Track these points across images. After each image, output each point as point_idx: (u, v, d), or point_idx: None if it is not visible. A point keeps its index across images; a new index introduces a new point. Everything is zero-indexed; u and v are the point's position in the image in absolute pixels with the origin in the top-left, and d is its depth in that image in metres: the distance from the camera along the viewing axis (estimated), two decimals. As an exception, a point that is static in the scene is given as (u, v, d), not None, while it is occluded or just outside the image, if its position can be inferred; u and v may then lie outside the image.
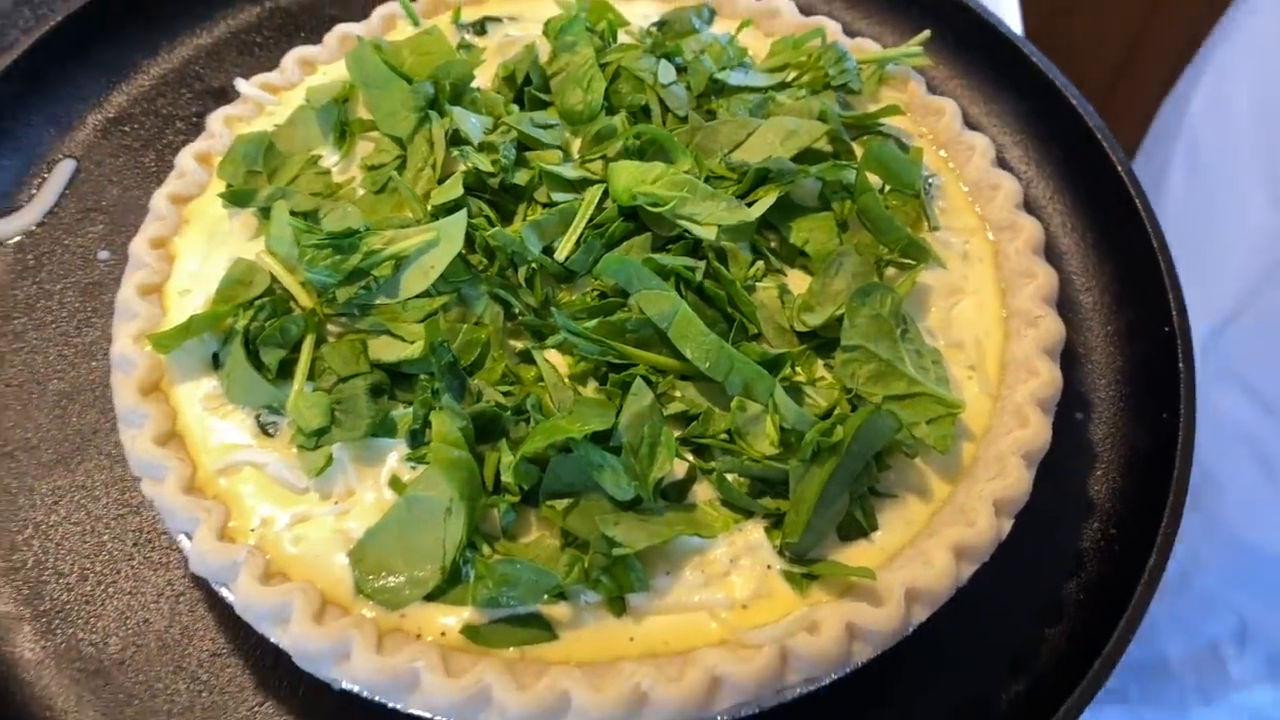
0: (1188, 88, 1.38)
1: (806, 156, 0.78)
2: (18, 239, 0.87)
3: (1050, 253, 0.82)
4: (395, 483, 0.67)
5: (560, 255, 0.72)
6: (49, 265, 0.86)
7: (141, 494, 0.76)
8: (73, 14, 0.95)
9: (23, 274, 0.86)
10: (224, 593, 0.65)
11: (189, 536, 0.66)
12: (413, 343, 0.68)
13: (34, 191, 0.90)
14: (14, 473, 0.77)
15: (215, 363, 0.71)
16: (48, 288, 0.85)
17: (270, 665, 0.70)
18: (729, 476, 0.66)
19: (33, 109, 0.93)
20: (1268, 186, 1.18)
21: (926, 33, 0.88)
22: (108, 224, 0.89)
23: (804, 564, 0.64)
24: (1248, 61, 1.28)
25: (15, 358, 0.82)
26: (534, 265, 0.71)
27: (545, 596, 0.63)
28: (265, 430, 0.69)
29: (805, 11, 0.92)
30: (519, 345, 0.71)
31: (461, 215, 0.71)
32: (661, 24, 0.88)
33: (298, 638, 0.61)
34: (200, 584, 0.73)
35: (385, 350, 0.68)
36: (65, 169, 0.92)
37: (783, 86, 0.84)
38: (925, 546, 0.66)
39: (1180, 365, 0.78)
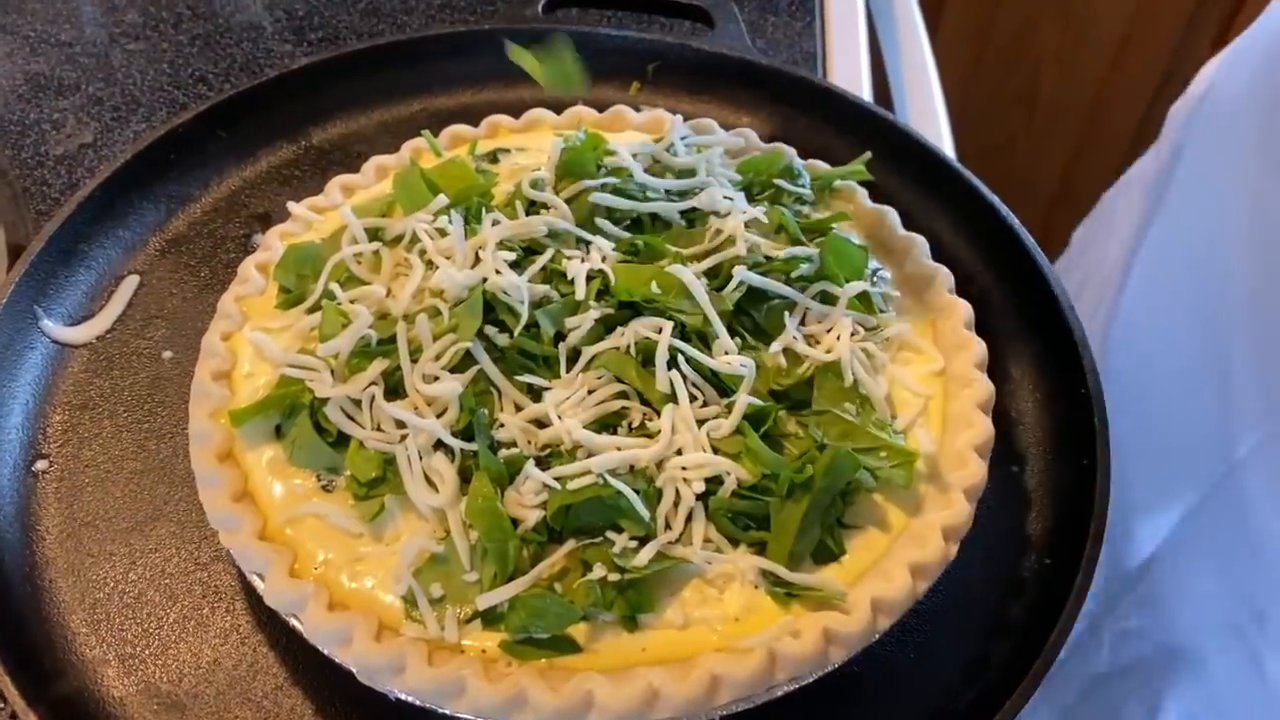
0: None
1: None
2: (92, 343, 1.00)
3: (982, 331, 0.96)
4: (437, 527, 0.79)
5: (572, 339, 0.85)
6: (120, 364, 0.99)
7: (208, 554, 0.88)
8: (137, 154, 1.10)
9: (98, 372, 0.99)
10: (294, 622, 0.76)
11: (261, 577, 0.77)
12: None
13: (104, 303, 1.04)
14: (95, 539, 0.88)
15: (277, 433, 0.84)
16: (120, 383, 0.98)
17: (327, 696, 0.80)
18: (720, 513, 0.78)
19: (103, 234, 1.07)
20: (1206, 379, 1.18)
21: (868, 154, 1.05)
22: (169, 329, 1.02)
23: (785, 584, 0.76)
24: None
25: (94, 442, 0.94)
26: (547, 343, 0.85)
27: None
28: (325, 488, 0.81)
29: (765, 140, 1.09)
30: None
31: (478, 304, 0.85)
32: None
33: (360, 655, 0.72)
34: (262, 628, 0.84)
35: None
36: (130, 283, 1.05)
37: (749, 199, 1.00)
38: (886, 566, 0.78)
39: (1095, 420, 0.92)
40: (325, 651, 0.74)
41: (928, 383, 0.90)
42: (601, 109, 1.13)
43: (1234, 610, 1.16)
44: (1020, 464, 0.96)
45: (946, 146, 1.41)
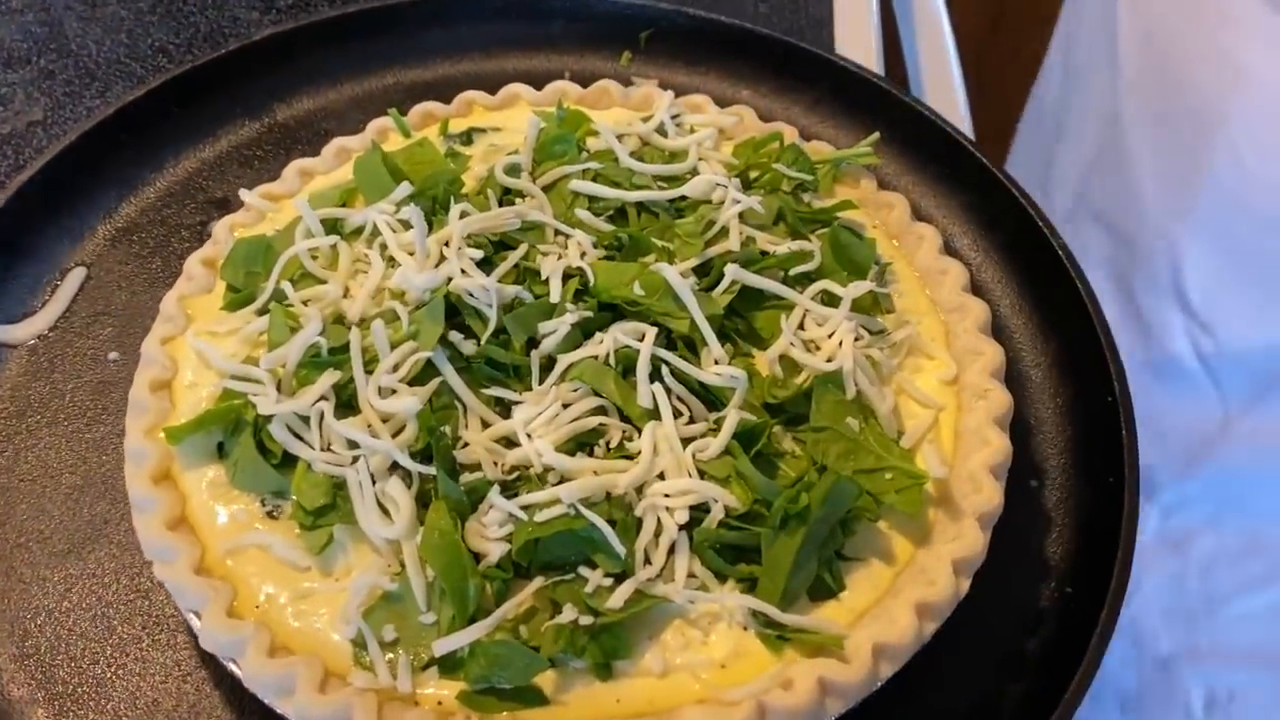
0: None
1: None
2: (32, 343, 0.93)
3: (999, 332, 0.88)
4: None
5: (546, 346, 0.77)
6: (62, 367, 0.92)
7: (150, 580, 0.80)
8: (85, 132, 1.02)
9: (37, 375, 0.91)
10: (232, 667, 0.69)
11: (198, 616, 0.70)
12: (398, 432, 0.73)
13: (47, 298, 0.96)
14: (28, 562, 0.81)
15: (220, 451, 0.76)
16: (60, 387, 0.90)
17: (273, 741, 0.74)
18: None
19: (48, 222, 0.99)
20: None
21: (876, 134, 0.96)
22: (116, 327, 0.95)
23: (777, 626, 0.69)
24: None
25: (30, 454, 0.86)
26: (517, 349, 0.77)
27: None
28: (270, 514, 0.74)
29: (764, 118, 1.00)
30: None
31: (440, 308, 0.77)
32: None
33: (302, 707, 0.65)
34: (206, 664, 0.76)
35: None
36: (77, 276, 0.97)
37: (745, 185, 0.91)
38: (890, 605, 0.70)
39: (1123, 432, 0.84)
40: (265, 701, 0.67)
41: (939, 393, 0.81)
42: (587, 83, 1.04)
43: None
44: (1039, 478, 0.88)
45: (964, 121, 1.32)
